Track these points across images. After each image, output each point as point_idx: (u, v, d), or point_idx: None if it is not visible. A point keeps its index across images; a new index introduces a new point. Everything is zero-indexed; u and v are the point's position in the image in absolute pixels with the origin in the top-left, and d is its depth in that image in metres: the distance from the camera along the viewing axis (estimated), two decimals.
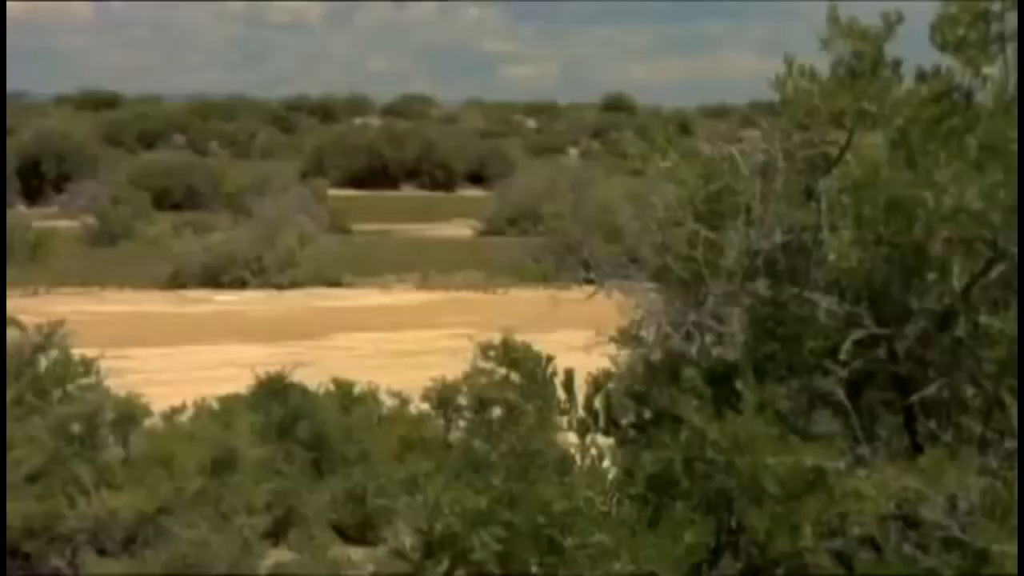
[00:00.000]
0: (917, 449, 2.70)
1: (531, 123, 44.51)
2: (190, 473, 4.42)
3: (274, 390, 5.22)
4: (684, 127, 24.73)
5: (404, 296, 13.85)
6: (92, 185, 20.65)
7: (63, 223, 18.32)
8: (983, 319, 2.66)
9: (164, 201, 21.25)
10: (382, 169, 29.20)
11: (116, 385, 4.85)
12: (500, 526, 2.71)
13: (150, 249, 16.14)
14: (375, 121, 40.01)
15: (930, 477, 2.44)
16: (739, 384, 2.64)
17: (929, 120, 2.68)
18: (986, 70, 2.72)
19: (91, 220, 17.70)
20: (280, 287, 13.81)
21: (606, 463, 2.85)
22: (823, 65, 2.79)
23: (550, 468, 2.78)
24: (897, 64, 2.76)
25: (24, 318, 4.99)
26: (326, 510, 4.72)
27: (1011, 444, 2.60)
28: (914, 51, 2.79)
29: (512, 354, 3.99)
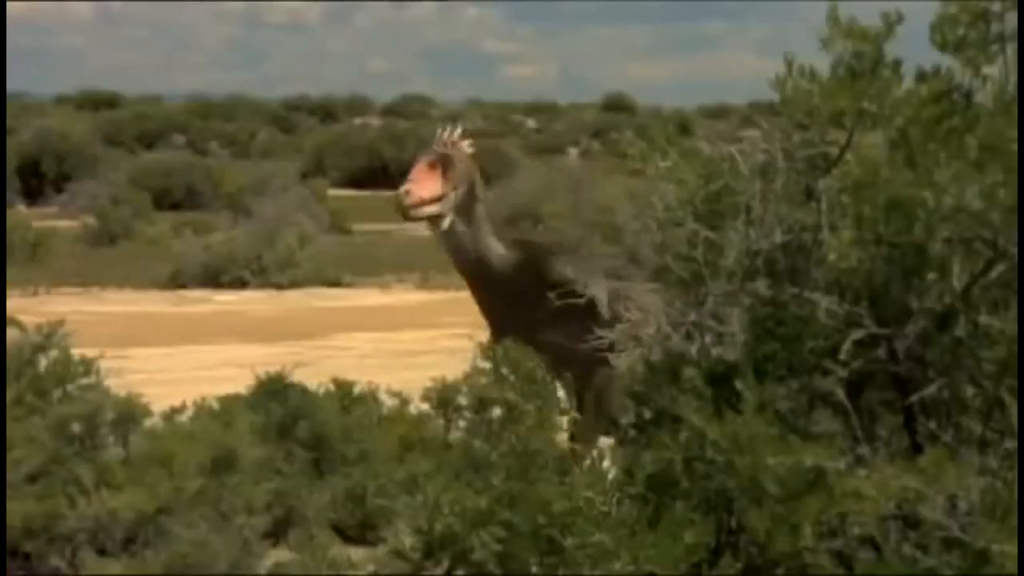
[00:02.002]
0: (917, 449, 2.70)
1: (531, 123, 44.47)
2: (190, 473, 4.42)
3: (274, 390, 5.21)
4: (684, 127, 24.71)
5: (404, 296, 13.85)
6: (92, 185, 20.63)
7: (63, 223, 18.28)
8: (983, 319, 2.66)
9: (164, 201, 21.22)
10: (382, 169, 29.18)
11: (116, 385, 4.85)
12: (500, 526, 2.71)
13: (150, 249, 16.10)
14: (375, 121, 39.95)
15: (930, 477, 2.44)
16: (739, 384, 2.64)
17: (929, 120, 2.68)
18: (986, 70, 2.72)
19: (91, 220, 17.66)
20: (280, 287, 13.79)
21: (606, 463, 2.85)
22: (823, 65, 2.80)
23: (550, 468, 2.78)
24: (897, 64, 2.76)
25: (24, 318, 4.99)
26: (326, 510, 4.71)
27: (1011, 444, 2.60)
28: (914, 51, 2.79)
29: (512, 353, 4.01)
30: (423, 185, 5.43)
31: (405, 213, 5.37)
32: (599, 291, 5.10)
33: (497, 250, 5.47)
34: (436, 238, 5.60)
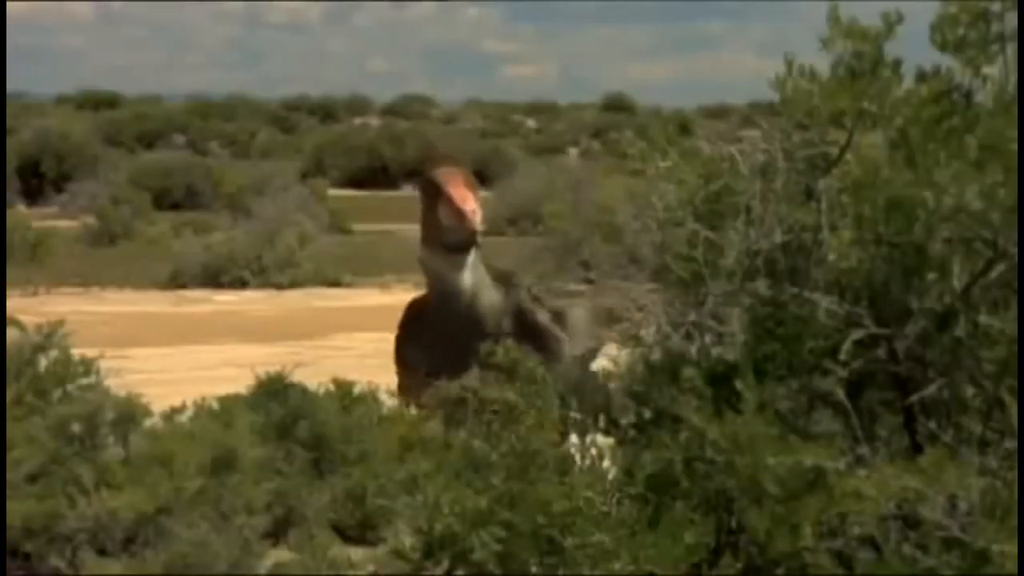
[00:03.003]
0: (917, 449, 2.71)
1: (531, 123, 44.43)
2: (190, 473, 4.42)
3: (274, 390, 5.21)
4: (684, 127, 24.68)
5: (404, 296, 13.84)
6: (92, 185, 20.61)
7: (63, 223, 18.25)
8: (983, 319, 2.66)
9: (164, 201, 21.19)
10: (382, 169, 29.15)
11: (116, 385, 4.85)
12: (500, 526, 2.71)
13: (150, 249, 16.07)
14: (375, 121, 39.91)
15: (930, 477, 2.44)
16: (739, 384, 2.64)
17: (929, 120, 2.68)
18: (986, 70, 2.72)
19: (91, 220, 17.64)
20: (280, 287, 13.77)
21: (606, 463, 2.85)
22: (823, 65, 2.80)
23: (550, 468, 2.78)
24: (897, 64, 2.76)
25: (24, 318, 4.99)
26: (326, 510, 4.71)
27: (1011, 444, 2.60)
28: (914, 51, 2.79)
29: (512, 353, 3.97)
30: (476, 205, 4.64)
31: (473, 238, 4.63)
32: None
33: (489, 292, 4.85)
34: (434, 271, 4.86)
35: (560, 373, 4.61)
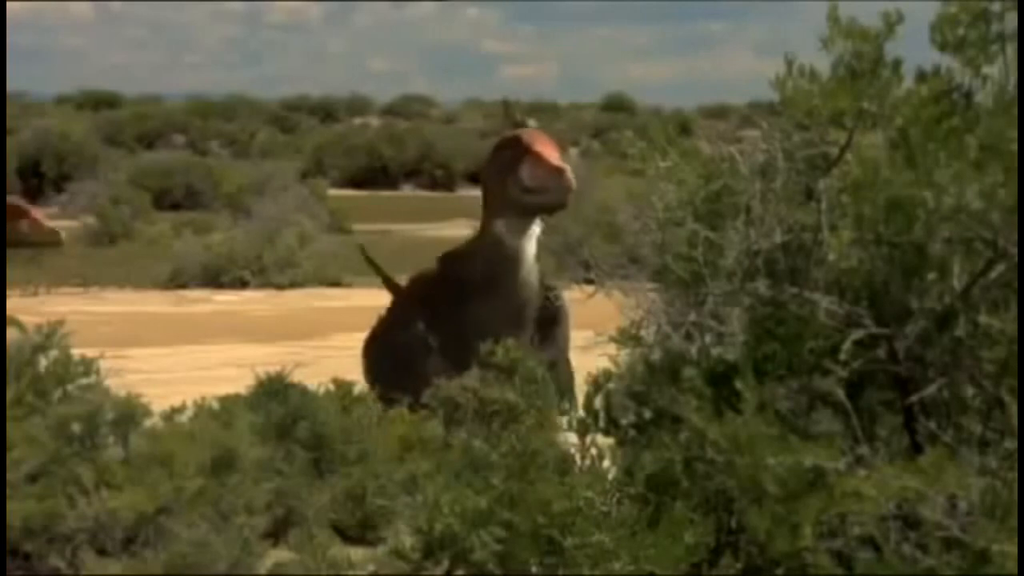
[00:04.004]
0: (917, 449, 2.71)
1: (531, 123, 44.36)
2: (190, 473, 4.42)
3: (274, 390, 5.21)
4: (684, 127, 24.65)
5: None
6: (92, 185, 20.61)
7: (63, 223, 18.28)
8: (983, 319, 2.66)
9: (164, 201, 21.20)
10: (382, 169, 29.13)
11: (116, 385, 4.85)
12: (500, 526, 2.71)
13: (150, 249, 16.06)
14: (375, 121, 39.90)
15: (930, 477, 2.44)
16: (739, 384, 2.64)
17: (929, 120, 2.68)
18: (986, 70, 2.72)
19: (91, 220, 17.64)
20: (280, 287, 13.77)
21: (606, 463, 2.85)
22: (823, 65, 2.80)
23: (550, 468, 2.79)
24: (897, 64, 2.76)
25: (24, 318, 4.99)
26: (326, 510, 4.71)
27: (1011, 444, 2.60)
28: (914, 51, 2.79)
29: (512, 353, 3.93)
30: None
31: (566, 196, 4.64)
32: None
33: (538, 265, 4.89)
34: (499, 239, 4.84)
35: (560, 348, 4.63)
